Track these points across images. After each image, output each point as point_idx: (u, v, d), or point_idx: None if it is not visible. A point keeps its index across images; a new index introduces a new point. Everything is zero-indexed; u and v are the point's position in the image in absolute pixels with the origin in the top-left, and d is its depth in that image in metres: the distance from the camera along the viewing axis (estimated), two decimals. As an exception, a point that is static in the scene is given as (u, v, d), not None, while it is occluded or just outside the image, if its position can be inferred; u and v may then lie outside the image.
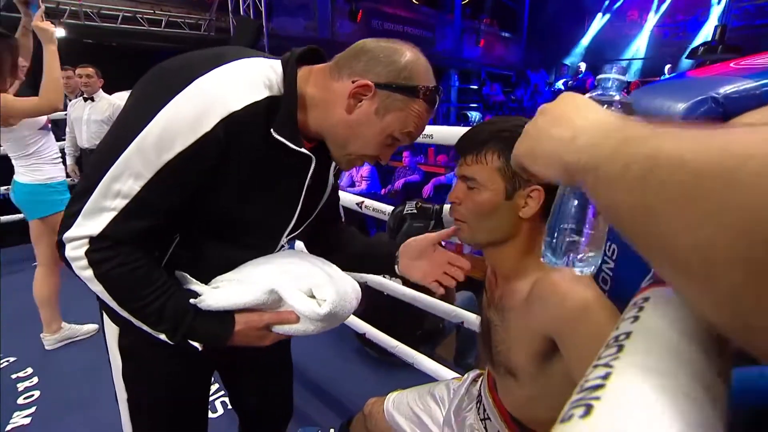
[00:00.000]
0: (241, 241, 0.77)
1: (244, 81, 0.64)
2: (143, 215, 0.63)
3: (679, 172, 0.19)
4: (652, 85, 0.81)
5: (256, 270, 0.77)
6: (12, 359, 2.07)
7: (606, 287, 0.73)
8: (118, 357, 0.80)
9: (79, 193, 0.63)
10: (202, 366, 0.90)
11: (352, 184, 4.26)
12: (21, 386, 1.89)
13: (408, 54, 0.67)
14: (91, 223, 0.62)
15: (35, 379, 1.93)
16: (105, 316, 0.80)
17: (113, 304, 0.67)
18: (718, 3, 9.72)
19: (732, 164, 0.17)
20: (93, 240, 0.62)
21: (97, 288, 0.65)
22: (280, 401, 1.13)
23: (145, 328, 0.69)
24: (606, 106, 0.43)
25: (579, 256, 0.40)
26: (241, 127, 0.62)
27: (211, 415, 1.61)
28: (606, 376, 0.18)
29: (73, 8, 4.41)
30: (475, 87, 9.88)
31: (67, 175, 3.18)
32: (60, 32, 4.38)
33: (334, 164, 0.85)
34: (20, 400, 1.80)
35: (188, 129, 0.60)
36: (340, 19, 7.49)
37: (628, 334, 0.20)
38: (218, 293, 0.72)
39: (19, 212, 3.30)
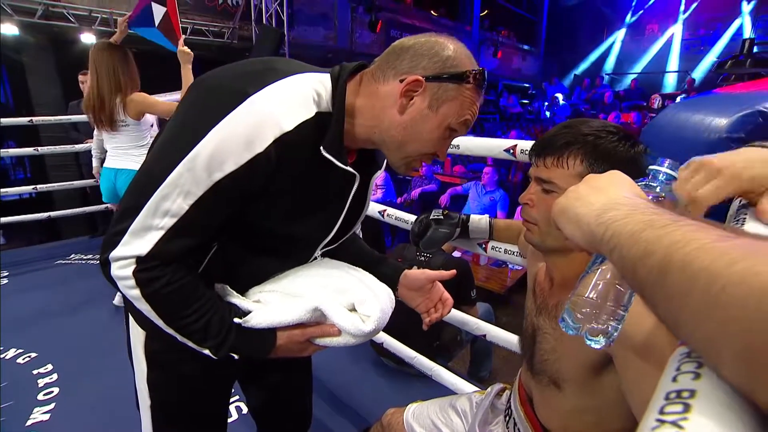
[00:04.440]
0: (278, 252, 0.76)
1: (295, 99, 0.63)
2: (191, 234, 0.63)
3: (690, 277, 0.23)
4: (693, 99, 0.79)
5: (296, 282, 0.76)
6: (33, 355, 2.10)
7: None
8: (143, 362, 0.78)
9: (125, 211, 0.61)
10: (226, 373, 0.89)
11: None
12: (41, 382, 1.91)
13: (449, 44, 0.66)
14: (139, 242, 0.60)
15: (55, 376, 1.96)
16: (131, 319, 0.78)
17: (159, 322, 0.66)
18: (749, 13, 9.61)
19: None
20: (141, 260, 0.61)
21: (144, 307, 0.64)
22: (298, 409, 1.13)
23: (189, 344, 0.68)
24: (650, 197, 0.43)
25: (592, 328, 0.40)
26: (292, 147, 0.62)
27: (226, 419, 1.61)
28: None
29: (104, 16, 4.57)
30: (492, 98, 9.87)
31: (92, 176, 3.28)
32: (90, 38, 4.54)
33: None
34: (40, 396, 1.82)
35: (242, 148, 0.59)
36: (359, 29, 7.60)
37: (692, 393, 0.21)
38: (263, 312, 0.71)
39: (42, 212, 3.42)
